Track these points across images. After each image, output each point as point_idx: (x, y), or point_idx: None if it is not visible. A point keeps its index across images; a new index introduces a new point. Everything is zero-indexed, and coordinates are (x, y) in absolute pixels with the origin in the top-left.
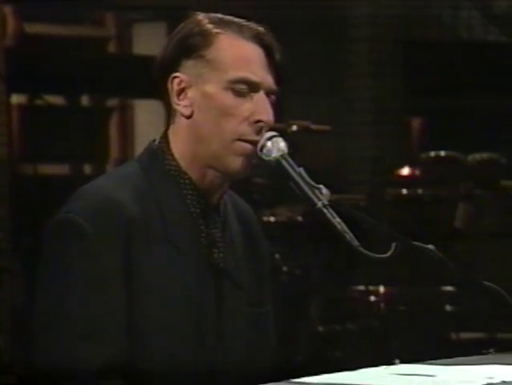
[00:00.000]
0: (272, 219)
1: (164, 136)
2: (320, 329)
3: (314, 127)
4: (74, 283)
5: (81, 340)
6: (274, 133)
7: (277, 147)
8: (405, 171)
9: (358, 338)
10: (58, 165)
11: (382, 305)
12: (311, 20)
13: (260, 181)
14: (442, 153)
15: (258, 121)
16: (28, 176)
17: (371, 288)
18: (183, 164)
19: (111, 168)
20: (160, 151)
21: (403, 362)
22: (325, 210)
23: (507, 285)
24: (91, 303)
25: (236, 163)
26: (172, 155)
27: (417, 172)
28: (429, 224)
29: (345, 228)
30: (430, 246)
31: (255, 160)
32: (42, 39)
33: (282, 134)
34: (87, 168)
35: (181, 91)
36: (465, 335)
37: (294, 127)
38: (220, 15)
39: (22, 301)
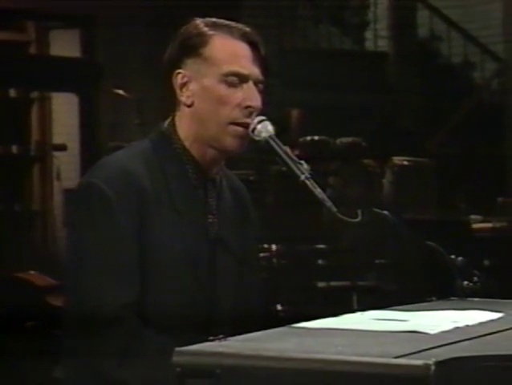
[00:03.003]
0: None
1: (172, 120)
2: None
3: None
4: (96, 235)
5: (104, 282)
6: (263, 117)
7: (265, 128)
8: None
9: None
10: None
11: (272, 260)
12: None
13: None
14: (316, 137)
15: (248, 107)
16: None
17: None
18: (186, 143)
19: (33, 148)
20: (168, 132)
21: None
22: (307, 182)
23: None
24: (110, 251)
25: (231, 142)
26: (177, 136)
27: (296, 153)
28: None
29: (325, 196)
30: (385, 212)
31: (247, 140)
32: None
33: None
34: (14, 149)
35: (184, 85)
36: (333, 283)
37: None
38: (214, 19)
39: None
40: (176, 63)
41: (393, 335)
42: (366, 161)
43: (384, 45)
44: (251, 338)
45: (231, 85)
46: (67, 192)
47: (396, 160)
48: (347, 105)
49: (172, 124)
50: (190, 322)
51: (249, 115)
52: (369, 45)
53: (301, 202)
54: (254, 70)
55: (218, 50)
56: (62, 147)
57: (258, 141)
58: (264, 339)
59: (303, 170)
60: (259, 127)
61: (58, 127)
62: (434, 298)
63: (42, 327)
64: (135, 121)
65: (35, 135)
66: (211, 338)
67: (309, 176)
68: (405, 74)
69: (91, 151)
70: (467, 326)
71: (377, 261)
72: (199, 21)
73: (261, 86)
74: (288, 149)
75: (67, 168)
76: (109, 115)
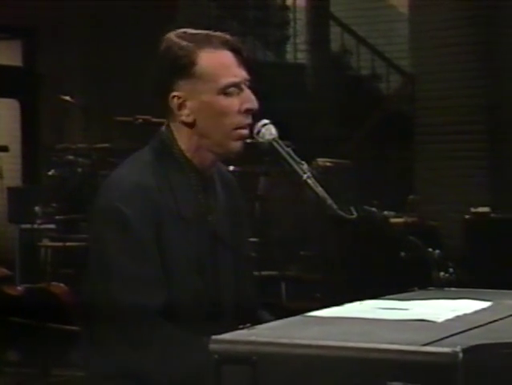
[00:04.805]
0: None
1: (168, 128)
2: None
3: (154, 120)
4: (121, 250)
5: (135, 291)
6: (266, 121)
7: (269, 132)
8: None
9: None
10: None
11: None
12: None
13: (112, 160)
14: (248, 140)
15: (247, 110)
16: None
17: None
18: (188, 154)
19: None
20: (168, 141)
21: None
22: (309, 181)
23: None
24: (136, 263)
25: (235, 145)
26: (177, 146)
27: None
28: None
29: (325, 194)
30: (373, 209)
31: (249, 141)
32: None
33: (131, 126)
34: None
35: (181, 105)
36: (263, 273)
37: (140, 120)
38: (190, 31)
39: None
40: (169, 86)
41: (404, 324)
42: None
43: (302, 57)
44: (275, 327)
45: (229, 95)
46: (10, 190)
47: (320, 161)
48: (271, 112)
49: (170, 132)
50: (200, 315)
51: (250, 116)
52: (289, 57)
53: None
54: (243, 74)
55: (209, 67)
56: (4, 149)
57: (262, 143)
58: (288, 328)
59: (305, 170)
60: (263, 130)
61: (0, 130)
62: (416, 288)
63: None
64: (82, 125)
65: None
66: (241, 326)
67: (310, 175)
68: (321, 84)
69: (32, 152)
70: (465, 314)
71: (302, 253)
72: (176, 37)
73: (247, 83)
74: (291, 151)
75: (9, 167)
76: (57, 120)
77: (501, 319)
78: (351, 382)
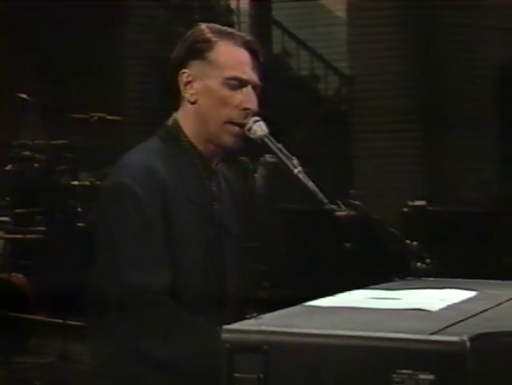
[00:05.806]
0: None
1: (175, 119)
2: None
3: (109, 117)
4: (129, 226)
5: (141, 269)
6: (258, 118)
7: (260, 128)
8: None
9: None
10: None
11: None
12: None
13: (68, 156)
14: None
15: (246, 109)
16: None
17: None
18: (192, 139)
19: None
20: (173, 130)
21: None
22: (300, 175)
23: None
24: (143, 240)
25: (228, 140)
26: (183, 133)
27: None
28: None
29: (316, 189)
30: (357, 202)
31: (243, 138)
32: None
33: (86, 123)
34: None
35: (188, 83)
36: None
37: (95, 118)
38: (218, 26)
39: None
40: (182, 64)
41: (403, 313)
42: (242, 158)
43: None
44: (281, 316)
45: (232, 88)
46: None
47: (268, 157)
48: None
49: (176, 122)
50: (205, 300)
51: (246, 116)
52: None
53: None
54: (253, 76)
55: (222, 56)
56: None
57: (254, 139)
58: (293, 317)
59: (296, 165)
60: (255, 126)
61: None
62: (396, 279)
63: None
64: (37, 122)
65: None
66: (248, 316)
67: (301, 170)
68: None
69: None
70: (455, 304)
71: (250, 244)
72: (204, 26)
73: (258, 90)
74: (281, 146)
75: None
76: (14, 117)
77: (491, 308)
78: (360, 370)
